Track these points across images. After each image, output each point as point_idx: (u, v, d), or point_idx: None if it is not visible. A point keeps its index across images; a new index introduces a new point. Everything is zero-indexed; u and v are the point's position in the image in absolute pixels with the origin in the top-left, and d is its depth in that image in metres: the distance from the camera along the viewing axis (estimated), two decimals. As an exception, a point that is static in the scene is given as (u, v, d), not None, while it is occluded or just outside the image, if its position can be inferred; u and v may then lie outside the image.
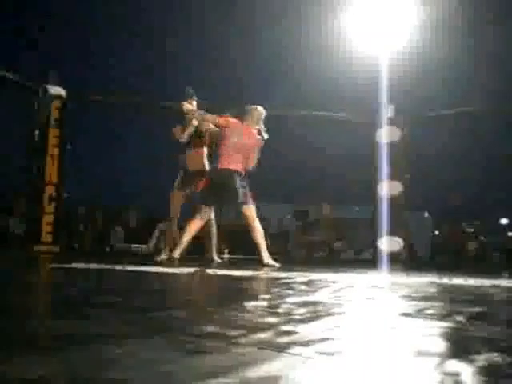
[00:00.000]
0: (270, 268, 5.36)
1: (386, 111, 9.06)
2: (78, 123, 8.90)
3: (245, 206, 5.81)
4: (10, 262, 5.08)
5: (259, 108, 6.01)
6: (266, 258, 5.77)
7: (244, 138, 5.81)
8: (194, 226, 5.87)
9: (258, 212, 5.83)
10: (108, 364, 0.92)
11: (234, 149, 5.76)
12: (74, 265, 4.28)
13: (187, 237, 5.82)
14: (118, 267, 4.26)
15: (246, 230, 5.89)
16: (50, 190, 7.76)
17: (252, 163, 5.88)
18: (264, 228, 6.04)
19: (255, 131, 5.94)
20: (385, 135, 8.97)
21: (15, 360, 0.92)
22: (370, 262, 8.91)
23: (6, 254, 5.76)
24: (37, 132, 7.82)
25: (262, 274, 3.91)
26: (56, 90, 7.88)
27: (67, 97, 8.00)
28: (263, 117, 5.99)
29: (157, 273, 4.03)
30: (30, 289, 2.65)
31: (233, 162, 5.72)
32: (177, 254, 5.77)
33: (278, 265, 5.63)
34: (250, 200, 5.83)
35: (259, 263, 5.76)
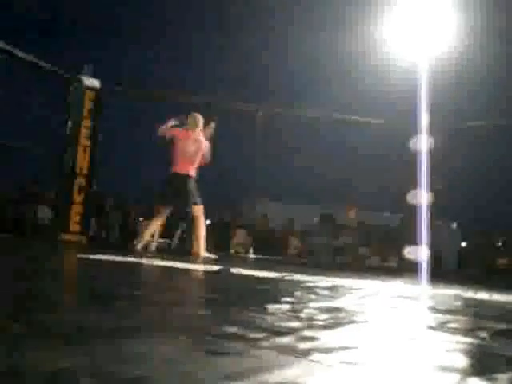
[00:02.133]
0: (203, 259, 6.06)
1: (422, 119, 8.98)
2: (112, 115, 8.97)
3: (195, 206, 6.51)
4: (38, 250, 5.15)
5: (194, 114, 6.77)
6: (202, 250, 6.47)
7: (189, 144, 6.59)
8: (154, 225, 6.67)
9: (283, 211, 6.30)
10: (131, 359, 0.93)
11: (184, 154, 6.56)
12: (100, 256, 4.32)
13: (148, 233, 6.66)
14: (145, 261, 4.29)
15: (270, 231, 6.16)
16: (80, 181, 7.84)
17: (203, 162, 6.73)
18: (288, 228, 6.35)
19: (197, 135, 6.67)
20: (419, 143, 8.89)
21: (41, 351, 0.94)
22: (396, 270, 8.84)
23: (33, 242, 5.84)
24: (69, 122, 7.90)
25: (286, 276, 3.90)
26: (91, 82, 7.95)
27: (101, 89, 8.07)
28: (198, 119, 6.74)
29: (183, 269, 4.05)
30: (56, 279, 2.69)
31: (184, 166, 6.52)
32: (139, 246, 6.45)
33: (213, 256, 6.36)
34: (199, 200, 6.55)
35: (190, 252, 6.50)
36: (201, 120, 6.75)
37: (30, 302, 1.57)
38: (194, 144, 6.58)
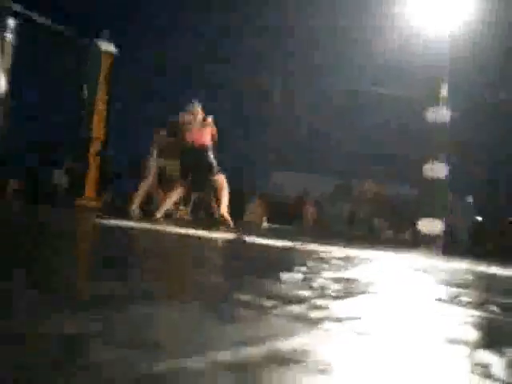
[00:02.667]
0: (224, 223, 6.32)
1: (440, 91, 8.87)
2: (128, 81, 8.94)
3: (220, 175, 6.73)
4: (53, 214, 5.20)
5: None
6: (225, 212, 6.60)
7: (194, 121, 6.81)
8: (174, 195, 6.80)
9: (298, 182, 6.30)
10: (144, 325, 0.94)
11: (193, 128, 6.75)
12: (116, 222, 4.36)
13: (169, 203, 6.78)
14: (159, 228, 4.32)
15: (285, 201, 6.21)
16: (96, 146, 7.85)
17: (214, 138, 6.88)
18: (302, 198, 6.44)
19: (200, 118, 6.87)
20: (436, 115, 8.80)
21: (55, 317, 0.96)
22: (410, 242, 8.84)
23: (49, 206, 5.89)
24: (86, 87, 7.88)
25: (300, 245, 3.92)
26: (107, 46, 7.92)
27: (118, 55, 8.03)
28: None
29: (196, 237, 4.07)
30: (71, 244, 2.72)
31: (199, 138, 6.67)
32: (159, 215, 6.56)
33: (231, 223, 6.48)
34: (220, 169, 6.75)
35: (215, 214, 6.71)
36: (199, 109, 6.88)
37: (43, 267, 1.59)
38: (200, 123, 6.76)
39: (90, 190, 7.75)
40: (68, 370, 0.66)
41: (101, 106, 7.87)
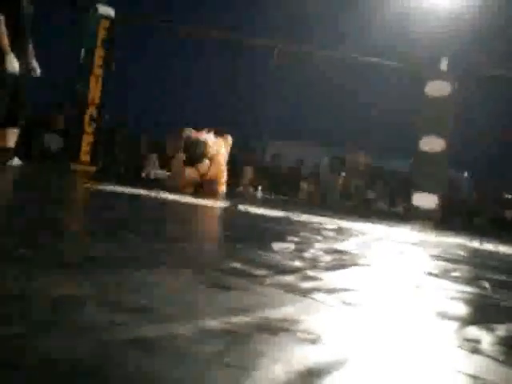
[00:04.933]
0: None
1: (439, 64, 8.82)
2: (126, 45, 8.86)
3: None
4: (48, 179, 5.18)
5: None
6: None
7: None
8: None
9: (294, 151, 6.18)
10: (136, 290, 0.94)
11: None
12: (111, 188, 4.35)
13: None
14: (153, 194, 4.31)
15: (280, 172, 6.11)
16: (91, 110, 7.81)
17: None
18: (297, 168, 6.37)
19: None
20: (434, 89, 8.75)
21: (50, 278, 0.95)
22: (403, 216, 8.88)
23: (42, 170, 5.88)
24: (83, 51, 7.82)
25: (293, 216, 3.92)
26: (105, 10, 7.83)
27: (116, 18, 7.95)
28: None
29: (191, 204, 4.07)
30: (66, 209, 2.71)
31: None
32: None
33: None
34: None
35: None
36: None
37: (41, 230, 1.59)
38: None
39: (84, 154, 7.72)
40: (58, 331, 0.66)
41: (97, 71, 7.81)
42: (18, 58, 5.09)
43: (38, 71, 5.48)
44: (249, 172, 10.55)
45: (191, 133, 6.40)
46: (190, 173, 6.20)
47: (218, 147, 6.48)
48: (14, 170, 5.11)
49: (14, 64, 5.01)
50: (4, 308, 0.74)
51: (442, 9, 9.01)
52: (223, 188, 6.54)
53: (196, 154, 6.28)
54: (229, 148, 6.70)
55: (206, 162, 6.25)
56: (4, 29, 4.97)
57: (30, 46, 5.37)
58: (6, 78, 5.02)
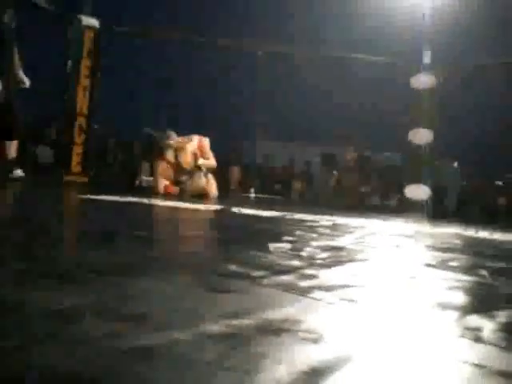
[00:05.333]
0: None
1: (423, 57, 8.85)
2: (112, 55, 8.84)
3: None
4: (41, 190, 5.17)
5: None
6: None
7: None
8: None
9: (284, 151, 6.38)
10: (134, 297, 0.94)
11: None
12: (103, 196, 4.34)
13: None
14: (145, 201, 4.31)
15: (272, 171, 6.15)
16: (80, 121, 7.80)
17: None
18: (289, 168, 6.48)
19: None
20: (420, 82, 8.78)
21: (47, 289, 0.94)
22: (397, 208, 8.90)
23: (35, 182, 5.86)
24: (69, 62, 7.81)
25: (287, 215, 3.92)
26: (89, 21, 7.82)
27: (100, 28, 7.94)
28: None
29: (183, 208, 4.06)
30: (60, 219, 2.70)
31: None
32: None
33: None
34: None
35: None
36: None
37: (36, 241, 1.58)
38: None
39: (75, 165, 7.70)
40: (57, 343, 0.65)
41: (84, 81, 7.80)
42: (3, 72, 5.07)
43: (27, 83, 5.47)
44: (236, 172, 10.55)
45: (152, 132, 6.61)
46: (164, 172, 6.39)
47: (183, 144, 6.59)
48: (13, 182, 5.11)
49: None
50: (1, 320, 0.73)
51: (423, 1, 9.04)
52: (213, 190, 6.66)
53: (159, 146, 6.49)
54: (205, 148, 6.78)
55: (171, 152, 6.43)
56: None
57: (16, 58, 5.36)
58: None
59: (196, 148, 6.63)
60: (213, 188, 6.68)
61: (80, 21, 7.75)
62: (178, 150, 6.60)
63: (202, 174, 6.62)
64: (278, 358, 0.68)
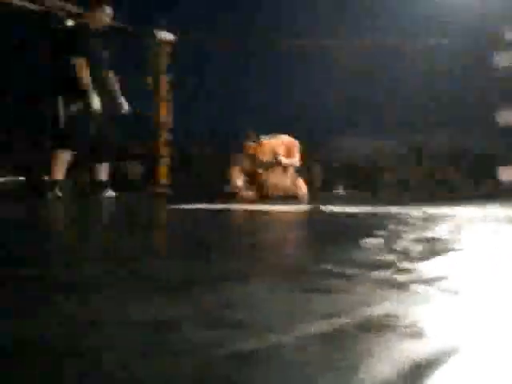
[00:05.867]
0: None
1: (503, 34, 8.51)
2: (189, 66, 9.01)
3: None
4: (133, 204, 5.33)
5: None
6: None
7: None
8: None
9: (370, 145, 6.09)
10: (232, 304, 0.95)
11: None
12: (192, 206, 4.43)
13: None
14: (233, 207, 4.36)
15: (362, 167, 6.07)
16: (164, 134, 7.99)
17: None
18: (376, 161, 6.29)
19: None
20: (504, 59, 8.44)
21: (146, 302, 0.97)
22: (490, 194, 8.59)
23: (127, 196, 6.06)
24: (149, 78, 8.01)
25: (377, 209, 3.86)
26: (164, 35, 8.00)
27: (176, 42, 8.11)
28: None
29: (272, 211, 4.08)
30: (154, 231, 2.78)
31: None
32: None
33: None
34: None
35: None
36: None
37: (133, 253, 1.63)
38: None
39: (163, 177, 7.89)
40: (159, 356, 0.67)
41: (165, 95, 7.99)
42: (100, 96, 5.30)
43: (126, 108, 5.70)
44: (318, 170, 10.48)
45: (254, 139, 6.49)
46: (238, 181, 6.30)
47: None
48: (104, 200, 5.32)
49: (96, 101, 5.22)
50: (102, 335, 0.76)
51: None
52: (303, 190, 6.52)
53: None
54: (292, 150, 6.67)
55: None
56: (85, 69, 5.19)
57: (116, 84, 5.62)
58: (91, 116, 5.24)
59: (278, 145, 6.53)
60: (301, 188, 6.55)
61: (155, 36, 7.95)
62: (255, 148, 6.53)
63: (284, 172, 6.51)
64: (382, 355, 0.68)
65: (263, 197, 6.27)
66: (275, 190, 6.38)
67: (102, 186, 5.57)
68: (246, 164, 6.68)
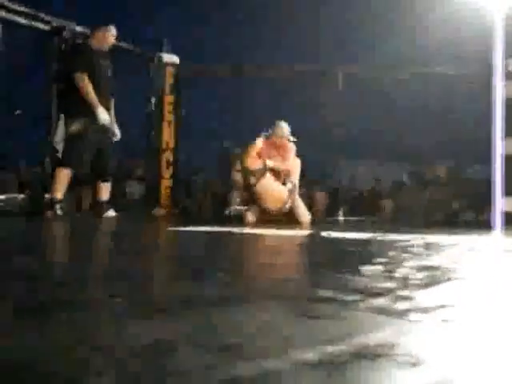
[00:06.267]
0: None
1: (505, 65, 8.56)
2: (192, 89, 9.05)
3: None
4: (133, 225, 5.32)
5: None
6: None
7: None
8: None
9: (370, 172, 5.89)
10: (226, 329, 0.94)
11: None
12: (193, 228, 4.42)
13: None
14: (235, 230, 4.35)
15: (361, 194, 5.92)
16: (167, 155, 8.01)
17: None
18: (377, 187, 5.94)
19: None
20: (503, 90, 8.48)
21: (139, 324, 0.97)
22: (490, 223, 8.57)
23: (126, 217, 6.05)
24: (153, 99, 8.06)
25: (378, 236, 3.85)
26: (170, 58, 8.08)
27: (180, 64, 8.17)
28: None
29: (272, 235, 4.08)
30: (154, 252, 2.77)
31: None
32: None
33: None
34: None
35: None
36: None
37: (131, 276, 1.62)
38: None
39: (164, 198, 7.89)
40: (156, 377, 0.67)
41: (168, 116, 8.03)
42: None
43: (118, 136, 5.73)
44: (322, 198, 10.42)
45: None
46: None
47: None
48: (107, 220, 5.33)
49: (104, 115, 5.25)
50: (96, 358, 0.75)
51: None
52: (305, 215, 6.00)
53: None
54: (284, 150, 5.95)
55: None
56: (90, 85, 5.23)
57: (112, 110, 5.66)
58: (91, 133, 5.25)
59: (269, 147, 5.91)
60: (301, 211, 5.83)
61: (161, 58, 8.02)
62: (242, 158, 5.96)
63: (277, 180, 5.86)
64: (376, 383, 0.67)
65: (263, 214, 5.78)
66: (268, 202, 5.74)
67: (104, 205, 5.59)
68: (239, 180, 6.31)
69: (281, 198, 5.65)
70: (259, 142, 5.79)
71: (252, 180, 5.62)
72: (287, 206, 5.70)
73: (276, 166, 5.75)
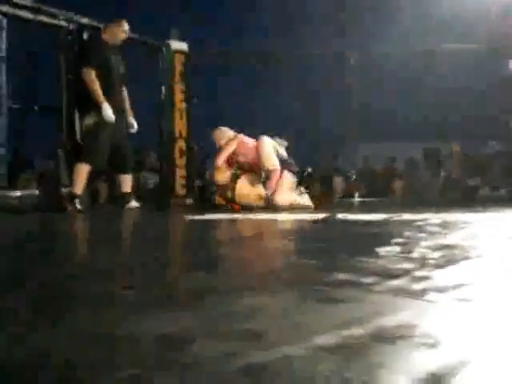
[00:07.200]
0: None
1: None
2: (203, 76, 9.03)
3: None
4: (147, 215, 5.34)
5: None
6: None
7: None
8: None
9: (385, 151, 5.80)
10: (243, 316, 0.95)
11: None
12: (209, 216, 4.43)
13: None
14: (249, 216, 4.36)
15: (378, 174, 5.86)
16: (179, 144, 8.00)
17: None
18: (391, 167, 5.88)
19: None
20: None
21: (154, 315, 0.97)
22: (507, 199, 8.51)
23: (144, 208, 6.07)
24: (163, 88, 8.04)
25: (395, 217, 3.84)
26: (179, 45, 8.05)
27: (189, 51, 8.14)
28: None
29: (287, 220, 4.07)
30: (167, 241, 2.78)
31: None
32: None
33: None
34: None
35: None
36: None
37: (144, 268, 1.63)
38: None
39: (179, 188, 7.90)
40: (173, 368, 0.67)
41: (179, 105, 8.01)
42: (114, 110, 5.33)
43: (135, 127, 5.75)
44: (339, 183, 10.37)
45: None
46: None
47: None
48: (127, 212, 5.38)
49: (109, 113, 5.23)
50: (115, 351, 0.76)
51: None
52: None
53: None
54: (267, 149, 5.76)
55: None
56: (97, 81, 5.23)
57: (127, 102, 5.67)
58: (104, 128, 5.26)
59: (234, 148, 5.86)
60: (303, 199, 5.72)
61: (169, 46, 7.99)
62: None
63: (250, 180, 5.72)
64: (395, 366, 0.67)
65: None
66: (251, 202, 5.67)
67: (126, 197, 5.64)
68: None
69: (260, 195, 5.59)
70: (226, 152, 5.77)
71: (228, 194, 5.67)
72: (269, 193, 5.57)
73: (243, 165, 5.74)
